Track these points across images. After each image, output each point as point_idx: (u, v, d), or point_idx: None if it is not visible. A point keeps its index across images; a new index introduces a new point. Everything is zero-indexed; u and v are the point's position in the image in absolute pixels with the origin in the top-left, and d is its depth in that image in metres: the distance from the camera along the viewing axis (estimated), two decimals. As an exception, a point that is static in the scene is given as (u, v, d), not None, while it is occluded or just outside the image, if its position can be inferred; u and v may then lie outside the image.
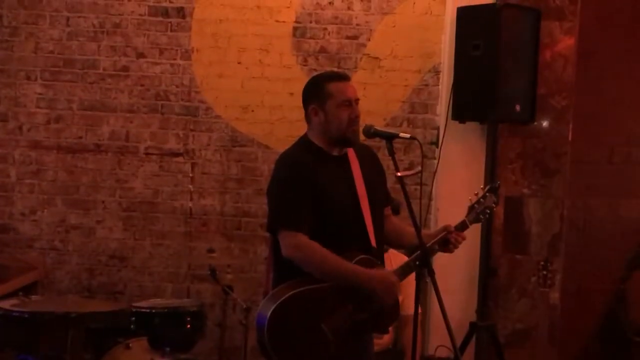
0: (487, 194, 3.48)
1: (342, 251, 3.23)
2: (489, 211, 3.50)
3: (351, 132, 3.33)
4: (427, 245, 3.26)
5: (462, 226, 3.41)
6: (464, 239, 3.40)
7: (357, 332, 3.24)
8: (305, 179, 3.25)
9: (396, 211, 3.78)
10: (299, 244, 3.21)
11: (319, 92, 3.37)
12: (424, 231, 3.40)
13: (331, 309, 3.18)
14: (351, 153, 3.42)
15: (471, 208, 3.45)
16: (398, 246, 3.83)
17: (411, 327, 3.28)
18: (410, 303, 3.28)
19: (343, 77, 3.45)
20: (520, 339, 4.99)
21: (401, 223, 3.58)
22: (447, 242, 3.36)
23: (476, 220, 3.47)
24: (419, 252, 3.24)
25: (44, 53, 5.25)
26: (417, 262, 3.23)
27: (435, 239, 3.35)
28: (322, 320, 3.16)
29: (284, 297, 3.14)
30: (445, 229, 3.37)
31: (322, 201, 3.24)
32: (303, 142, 3.42)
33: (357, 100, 3.37)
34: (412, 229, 3.25)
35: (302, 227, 3.22)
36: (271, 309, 3.11)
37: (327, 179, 3.30)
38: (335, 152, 3.39)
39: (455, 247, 3.38)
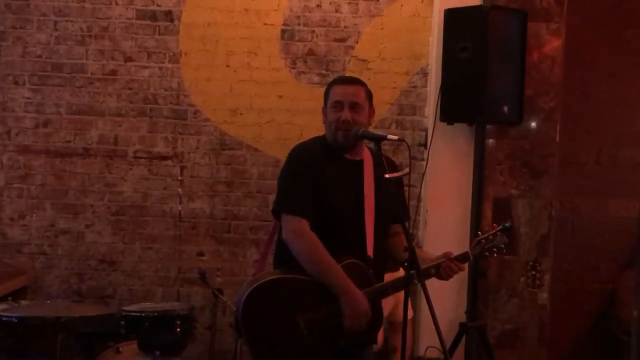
0: (499, 232, 3.40)
1: (334, 253, 3.21)
2: (495, 250, 3.41)
3: (339, 135, 3.33)
4: (423, 267, 3.19)
5: (464, 258, 3.35)
6: (461, 270, 3.32)
7: (333, 336, 3.19)
8: (312, 171, 3.28)
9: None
10: (299, 230, 3.23)
11: (325, 94, 3.44)
12: (428, 254, 3.38)
13: (310, 303, 3.17)
14: (368, 160, 3.40)
15: (478, 241, 3.40)
16: (400, 261, 3.76)
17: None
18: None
19: (344, 81, 3.48)
20: (509, 339, 5.00)
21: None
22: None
23: (480, 255, 3.40)
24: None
25: (32, 57, 5.25)
26: (406, 264, 3.21)
27: (433, 263, 3.30)
28: (298, 312, 3.15)
29: (263, 280, 3.18)
30: (446, 255, 3.32)
31: (323, 198, 3.26)
32: (319, 139, 3.45)
33: (352, 103, 3.33)
34: (416, 248, 3.15)
35: (305, 214, 3.24)
36: (249, 289, 3.14)
37: (334, 177, 3.31)
38: (348, 155, 3.39)
39: (450, 276, 3.31)
